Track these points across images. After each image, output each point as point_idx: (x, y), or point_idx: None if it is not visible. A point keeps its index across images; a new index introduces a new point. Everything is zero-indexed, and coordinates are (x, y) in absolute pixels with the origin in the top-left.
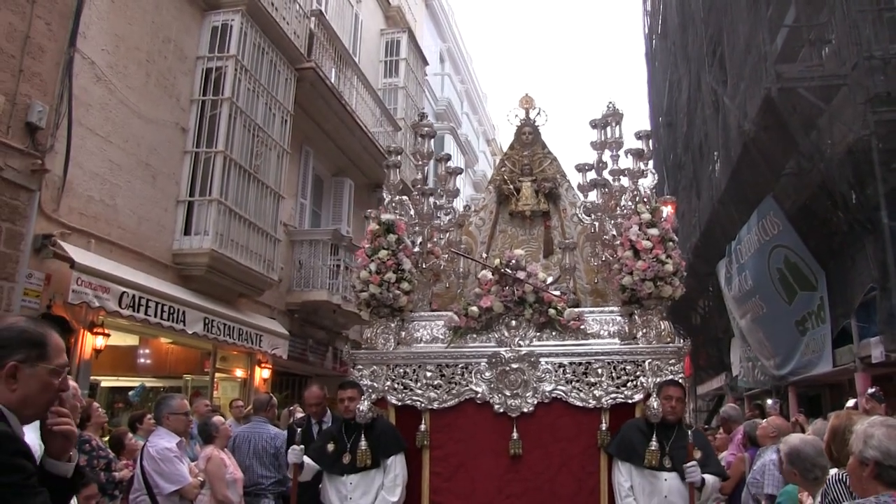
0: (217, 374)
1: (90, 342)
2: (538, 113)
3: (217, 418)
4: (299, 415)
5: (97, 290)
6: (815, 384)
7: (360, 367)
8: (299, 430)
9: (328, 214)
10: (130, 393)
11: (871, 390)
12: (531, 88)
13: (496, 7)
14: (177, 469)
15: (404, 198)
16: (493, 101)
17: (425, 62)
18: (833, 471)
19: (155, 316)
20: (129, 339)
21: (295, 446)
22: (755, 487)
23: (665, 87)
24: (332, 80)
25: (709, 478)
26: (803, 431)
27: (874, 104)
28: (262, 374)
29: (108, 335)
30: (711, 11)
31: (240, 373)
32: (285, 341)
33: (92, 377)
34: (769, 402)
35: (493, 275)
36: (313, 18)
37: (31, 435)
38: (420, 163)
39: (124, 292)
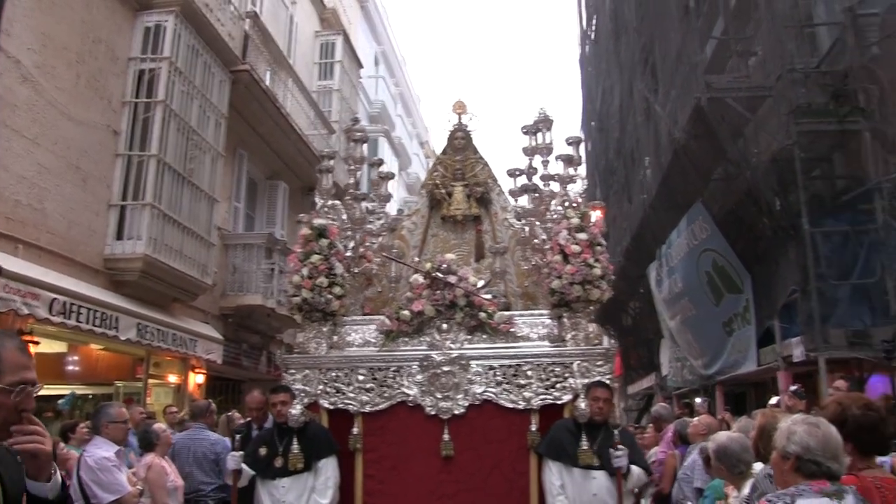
0: (150, 381)
1: None
2: (470, 118)
3: (158, 425)
4: (239, 421)
5: (26, 296)
6: (740, 383)
7: (292, 371)
8: (238, 436)
9: (262, 218)
10: (60, 402)
11: (793, 388)
12: (465, 91)
13: (431, 9)
14: (115, 478)
15: (337, 202)
16: (426, 103)
17: (360, 65)
18: (759, 465)
19: (87, 323)
20: (57, 346)
21: (234, 453)
22: (686, 483)
23: (598, 93)
24: (267, 83)
25: (635, 468)
26: (729, 428)
27: (797, 115)
28: (197, 379)
29: (37, 343)
30: (644, 21)
31: (173, 378)
32: (220, 346)
33: None
34: (698, 400)
35: (424, 279)
36: (248, 20)
37: None
38: (353, 167)
39: (55, 299)
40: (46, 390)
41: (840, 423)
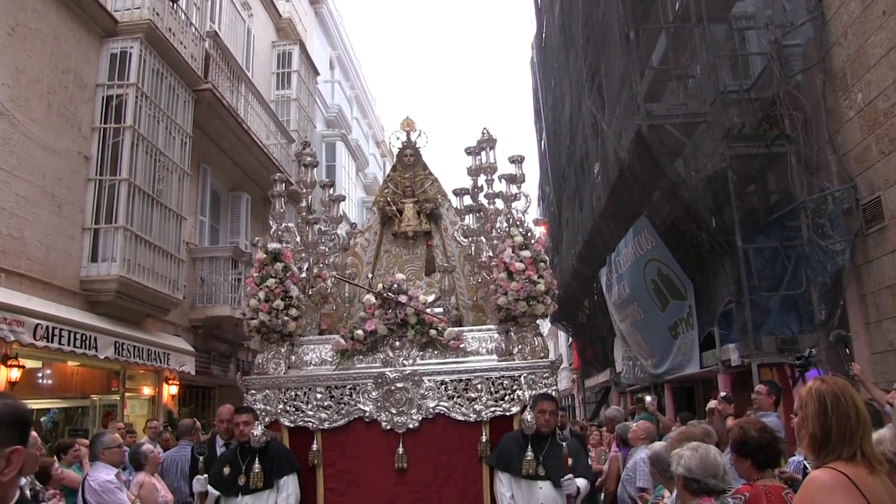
0: (126, 394)
1: (4, 375)
2: (419, 135)
3: (146, 447)
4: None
5: (12, 324)
6: (689, 379)
7: (252, 391)
8: (201, 457)
9: (226, 229)
10: (43, 419)
11: (722, 394)
12: (420, 89)
13: (386, 9)
14: (118, 499)
15: (290, 225)
16: (381, 103)
17: (316, 72)
18: None
19: (68, 345)
20: (31, 363)
21: (199, 476)
22: (629, 483)
23: (549, 99)
24: (228, 99)
25: (581, 482)
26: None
27: (729, 139)
28: (170, 390)
29: (22, 367)
30: (590, 42)
31: (147, 391)
32: (192, 357)
33: None
34: (647, 398)
35: (376, 299)
36: (209, 40)
37: None
38: (304, 191)
39: (38, 324)
40: (28, 405)
41: (742, 444)
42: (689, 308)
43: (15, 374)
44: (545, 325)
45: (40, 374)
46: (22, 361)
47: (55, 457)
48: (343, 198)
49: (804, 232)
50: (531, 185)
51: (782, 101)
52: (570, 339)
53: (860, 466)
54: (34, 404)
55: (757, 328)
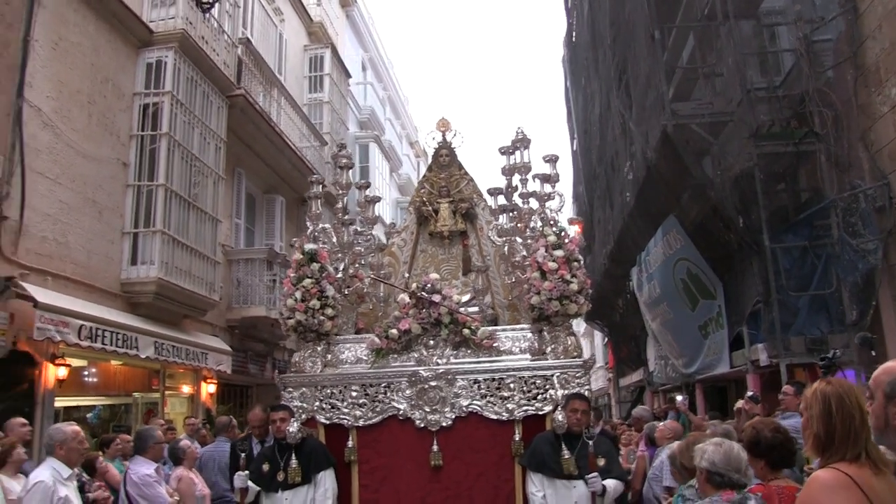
0: (166, 392)
1: (53, 373)
2: (454, 135)
3: (185, 442)
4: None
5: (58, 325)
6: (721, 379)
7: (290, 389)
8: (243, 454)
9: (262, 231)
10: (88, 416)
11: (749, 393)
12: (451, 89)
13: (416, 9)
14: (157, 492)
15: (327, 226)
16: (414, 103)
17: (348, 75)
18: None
19: (111, 345)
20: (78, 361)
21: (240, 472)
22: (655, 482)
23: (580, 97)
24: (261, 104)
25: (610, 483)
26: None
27: (757, 138)
28: (208, 388)
29: (69, 366)
30: (616, 41)
31: (186, 389)
32: (229, 357)
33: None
34: (678, 397)
35: (410, 298)
36: (241, 46)
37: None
38: (340, 193)
39: (82, 325)
40: (73, 402)
41: (755, 444)
42: (719, 307)
43: (62, 372)
44: (580, 325)
45: (86, 373)
46: (68, 360)
47: (100, 451)
48: (378, 199)
49: (834, 231)
50: (566, 185)
51: (812, 98)
52: (605, 338)
53: (864, 467)
54: (80, 401)
55: (786, 328)
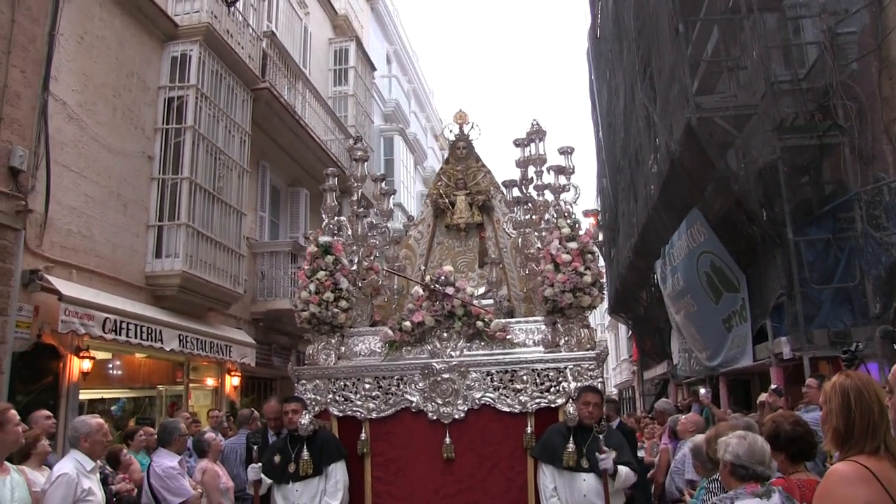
0: (190, 384)
1: (77, 365)
2: (472, 127)
3: (209, 435)
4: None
5: (83, 318)
6: (745, 372)
7: (303, 381)
8: (255, 447)
9: (286, 224)
10: (113, 408)
11: (772, 387)
12: (476, 81)
13: (442, 1)
14: (181, 484)
15: (342, 218)
16: (439, 96)
17: (373, 68)
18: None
19: (135, 337)
20: (102, 354)
21: (254, 464)
22: (678, 475)
23: (605, 90)
24: (286, 97)
25: (622, 468)
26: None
27: (780, 131)
28: (233, 381)
29: (93, 359)
30: (641, 34)
31: (211, 381)
32: (253, 350)
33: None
34: (702, 391)
35: (423, 291)
36: (266, 40)
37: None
38: (355, 185)
39: (107, 318)
40: (98, 394)
41: (775, 437)
42: (743, 301)
43: (87, 364)
44: (597, 317)
45: (110, 366)
46: (93, 353)
47: (124, 443)
48: (394, 191)
49: (858, 224)
50: (590, 178)
51: (836, 91)
52: (630, 331)
53: (883, 460)
54: (105, 394)
55: (809, 321)
